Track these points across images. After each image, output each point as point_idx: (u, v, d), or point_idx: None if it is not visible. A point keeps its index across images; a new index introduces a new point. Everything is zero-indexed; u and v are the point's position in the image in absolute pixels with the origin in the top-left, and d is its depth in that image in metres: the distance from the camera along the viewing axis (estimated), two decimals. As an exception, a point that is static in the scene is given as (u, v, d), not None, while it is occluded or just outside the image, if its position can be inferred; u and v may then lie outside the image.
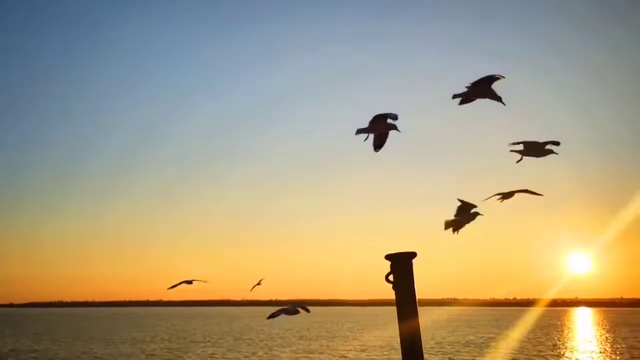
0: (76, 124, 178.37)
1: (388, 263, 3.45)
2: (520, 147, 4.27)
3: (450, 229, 4.36)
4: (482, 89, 4.07)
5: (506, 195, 4.37)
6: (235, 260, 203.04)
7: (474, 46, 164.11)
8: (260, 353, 22.40)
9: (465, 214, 4.32)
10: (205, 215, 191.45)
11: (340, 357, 21.07)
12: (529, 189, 4.36)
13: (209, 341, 29.03)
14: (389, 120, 4.21)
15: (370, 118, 4.21)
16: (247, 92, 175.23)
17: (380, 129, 4.28)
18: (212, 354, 22.39)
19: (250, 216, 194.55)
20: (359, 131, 4.29)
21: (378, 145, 4.38)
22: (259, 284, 9.24)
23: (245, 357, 21.28)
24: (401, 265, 3.38)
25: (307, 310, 6.14)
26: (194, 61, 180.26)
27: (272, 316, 6.08)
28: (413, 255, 3.41)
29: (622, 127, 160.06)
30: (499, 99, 4.08)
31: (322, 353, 22.37)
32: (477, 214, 4.34)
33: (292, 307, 6.00)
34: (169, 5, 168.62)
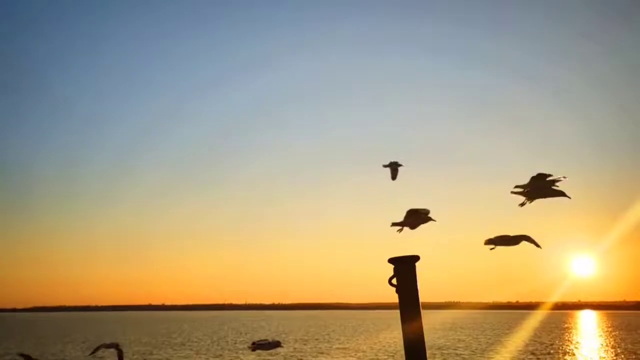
0: (75, 127, 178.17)
1: (391, 266, 3.43)
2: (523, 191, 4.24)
3: (491, 245, 4.39)
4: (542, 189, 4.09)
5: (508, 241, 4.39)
6: (237, 263, 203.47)
7: (475, 54, 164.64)
8: (224, 355, 22.64)
9: (510, 237, 4.34)
10: (207, 219, 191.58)
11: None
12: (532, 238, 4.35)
13: (185, 344, 29.28)
14: (423, 215, 4.46)
15: (405, 212, 4.49)
16: (250, 93, 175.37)
17: (415, 223, 4.49)
18: (178, 356, 22.69)
19: (252, 219, 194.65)
20: (394, 224, 4.52)
21: (411, 227, 4.58)
22: None
23: (207, 359, 21.58)
24: (404, 269, 3.37)
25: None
26: (193, 62, 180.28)
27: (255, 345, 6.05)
28: (416, 258, 3.41)
29: (624, 130, 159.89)
30: (562, 194, 4.08)
31: (279, 355, 22.51)
32: (523, 237, 4.36)
33: (273, 343, 6.03)
34: (168, 6, 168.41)
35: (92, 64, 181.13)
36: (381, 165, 6.27)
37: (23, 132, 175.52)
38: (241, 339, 31.92)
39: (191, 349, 26.07)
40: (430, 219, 4.45)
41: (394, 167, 6.23)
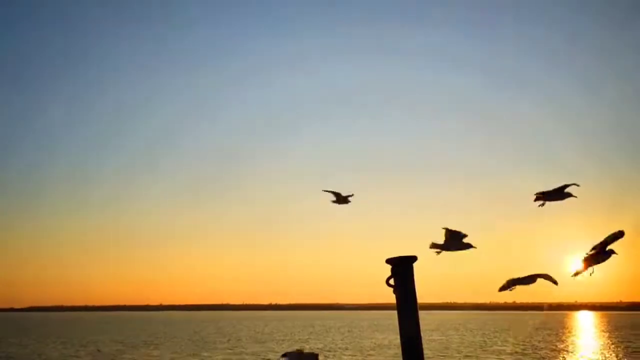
0: (94, 124, 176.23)
1: (389, 267, 3.45)
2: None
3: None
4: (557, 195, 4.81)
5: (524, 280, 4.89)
6: (235, 264, 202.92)
7: (473, 62, 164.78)
8: (193, 354, 23.15)
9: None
10: (207, 221, 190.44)
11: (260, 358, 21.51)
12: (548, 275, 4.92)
13: (164, 344, 29.47)
14: (465, 240, 4.49)
15: (445, 233, 4.51)
16: (262, 99, 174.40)
17: (456, 247, 4.53)
18: (151, 355, 23.11)
19: (252, 221, 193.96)
20: (434, 246, 4.52)
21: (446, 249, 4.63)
22: None
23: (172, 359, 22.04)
24: (402, 269, 3.38)
25: None
26: (215, 64, 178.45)
27: None
28: (414, 259, 3.41)
29: (620, 131, 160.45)
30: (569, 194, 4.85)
31: (250, 355, 22.77)
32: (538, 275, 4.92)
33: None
34: (190, 6, 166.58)
35: (112, 62, 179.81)
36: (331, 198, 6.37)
37: (34, 132, 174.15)
38: (219, 339, 32.11)
39: (165, 349, 26.33)
40: (470, 245, 4.43)
41: (340, 198, 6.35)
